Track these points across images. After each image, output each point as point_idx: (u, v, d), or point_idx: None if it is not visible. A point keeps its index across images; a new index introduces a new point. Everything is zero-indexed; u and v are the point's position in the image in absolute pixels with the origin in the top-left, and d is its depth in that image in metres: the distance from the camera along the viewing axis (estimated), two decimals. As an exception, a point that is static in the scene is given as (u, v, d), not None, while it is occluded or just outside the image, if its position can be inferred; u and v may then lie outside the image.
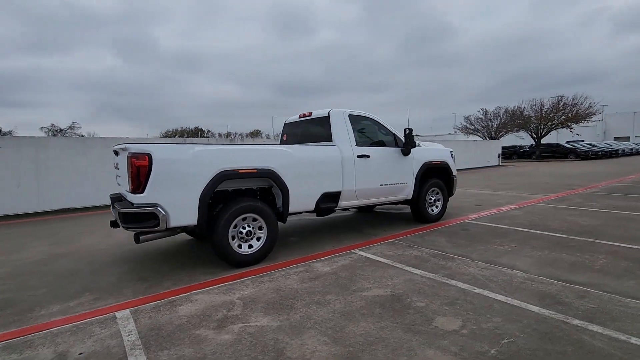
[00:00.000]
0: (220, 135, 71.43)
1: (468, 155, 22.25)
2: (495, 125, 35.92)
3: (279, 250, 4.91)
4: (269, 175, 4.39)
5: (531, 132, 33.79)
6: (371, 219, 6.92)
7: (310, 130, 5.76)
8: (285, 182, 4.52)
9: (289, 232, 6.06)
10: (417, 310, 2.98)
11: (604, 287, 3.32)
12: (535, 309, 2.93)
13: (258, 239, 4.39)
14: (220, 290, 3.55)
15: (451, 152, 6.79)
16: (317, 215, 5.53)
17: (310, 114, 5.76)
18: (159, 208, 3.67)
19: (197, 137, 61.85)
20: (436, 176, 6.58)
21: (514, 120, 34.37)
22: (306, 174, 4.74)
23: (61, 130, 51.66)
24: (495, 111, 36.19)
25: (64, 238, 6.17)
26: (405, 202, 6.21)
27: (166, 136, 63.80)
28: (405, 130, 5.68)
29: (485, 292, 3.28)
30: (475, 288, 3.39)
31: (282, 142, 6.49)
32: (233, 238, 4.20)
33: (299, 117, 6.00)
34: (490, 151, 25.04)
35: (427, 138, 46.18)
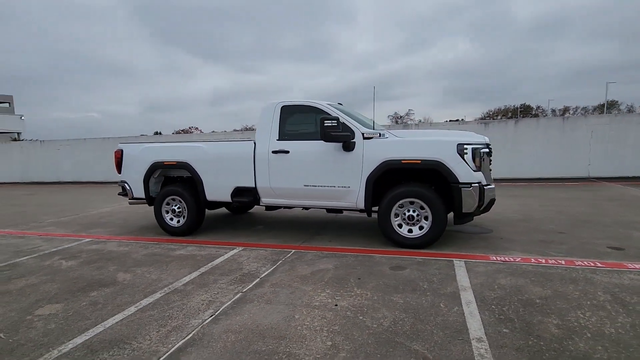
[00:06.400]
0: (555, 112, 60.34)
1: None
2: None
3: (223, 231, 5.72)
4: (185, 167, 5.35)
5: None
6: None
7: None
8: (199, 173, 5.28)
9: (269, 221, 6.35)
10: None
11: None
12: None
13: (184, 216, 5.54)
14: (88, 241, 5.26)
15: (462, 144, 4.12)
16: (265, 210, 5.62)
17: None
18: (125, 184, 5.83)
19: (514, 116, 56.38)
20: (418, 181, 4.39)
21: None
22: (217, 168, 5.19)
23: (401, 117, 64.37)
24: None
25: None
26: (363, 212, 4.72)
27: (486, 117, 61.95)
28: (321, 120, 4.37)
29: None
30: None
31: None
32: (167, 212, 5.63)
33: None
34: None
35: None
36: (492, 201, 4.46)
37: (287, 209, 6.42)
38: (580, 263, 3.72)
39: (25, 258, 4.69)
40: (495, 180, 11.51)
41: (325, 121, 4.34)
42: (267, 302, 3.09)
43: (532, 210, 6.55)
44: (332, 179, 4.65)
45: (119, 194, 6.11)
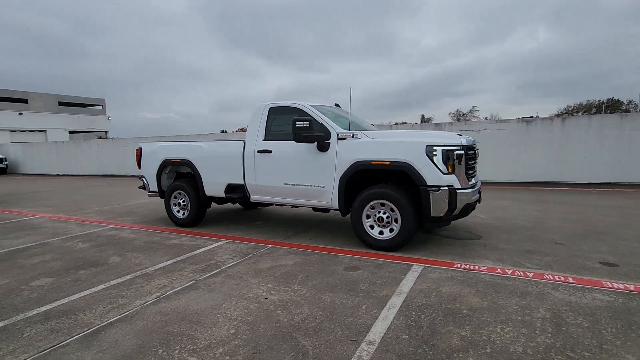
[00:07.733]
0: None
1: None
2: None
3: (223, 224, 6.15)
4: (187, 164, 5.86)
5: None
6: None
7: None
8: (199, 170, 5.75)
9: (271, 217, 6.61)
10: (70, 271, 4.01)
11: None
12: None
13: (188, 209, 6.06)
14: (110, 227, 5.94)
15: (431, 145, 3.96)
16: (259, 206, 5.93)
17: None
18: (143, 178, 6.54)
19: (598, 112, 50.09)
20: (387, 182, 4.33)
21: None
22: (213, 166, 5.60)
23: (463, 115, 61.07)
24: None
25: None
26: (341, 211, 4.76)
27: (564, 113, 55.83)
28: (293, 121, 4.48)
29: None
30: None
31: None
32: (174, 205, 6.21)
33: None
34: None
35: None
36: (469, 206, 4.22)
37: (279, 206, 6.64)
38: (549, 277, 3.40)
39: (55, 239, 5.55)
40: (539, 184, 10.58)
41: (297, 122, 4.48)
42: (210, 291, 3.36)
43: (548, 218, 5.96)
44: (309, 178, 4.77)
45: (139, 187, 6.86)
